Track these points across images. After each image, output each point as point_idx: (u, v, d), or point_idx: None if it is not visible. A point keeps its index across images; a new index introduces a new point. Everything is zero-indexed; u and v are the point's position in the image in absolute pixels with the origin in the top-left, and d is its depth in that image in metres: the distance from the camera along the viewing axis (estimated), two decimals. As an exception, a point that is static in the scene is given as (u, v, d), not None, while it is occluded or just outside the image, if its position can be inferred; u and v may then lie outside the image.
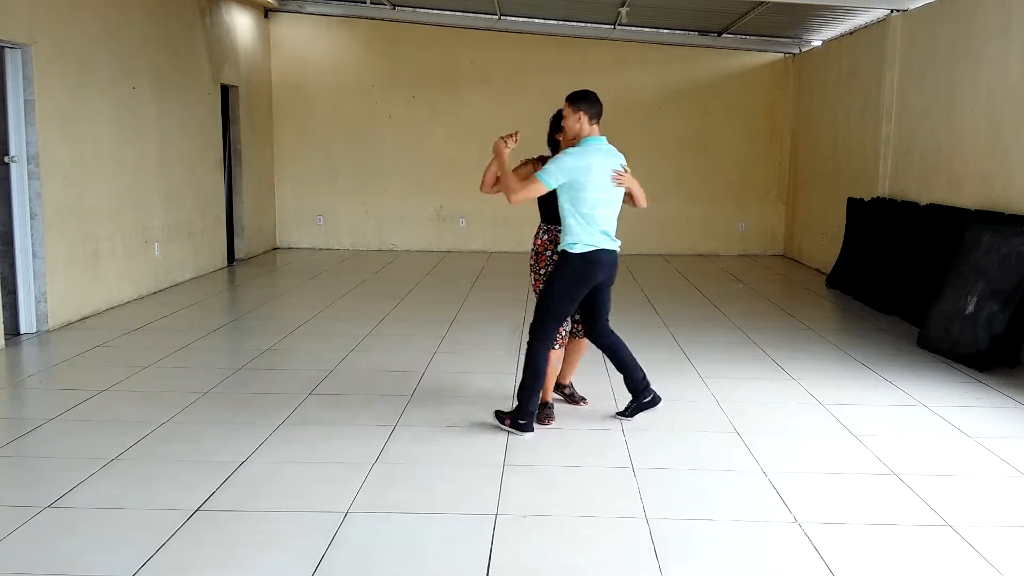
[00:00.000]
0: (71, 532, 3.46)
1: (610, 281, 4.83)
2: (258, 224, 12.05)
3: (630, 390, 4.97)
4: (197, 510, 3.67)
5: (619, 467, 4.26)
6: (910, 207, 8.50)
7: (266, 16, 12.40)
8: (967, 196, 7.55)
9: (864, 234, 9.38)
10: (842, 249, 9.99)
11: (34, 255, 6.94)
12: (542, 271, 4.94)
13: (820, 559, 3.32)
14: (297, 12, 12.43)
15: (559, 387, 5.26)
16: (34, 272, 6.95)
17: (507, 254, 12.39)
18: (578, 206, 4.60)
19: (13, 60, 6.74)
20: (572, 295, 4.69)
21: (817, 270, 11.23)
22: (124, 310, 7.99)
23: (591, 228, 4.62)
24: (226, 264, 10.88)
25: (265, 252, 12.32)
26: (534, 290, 4.98)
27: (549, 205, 4.87)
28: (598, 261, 4.66)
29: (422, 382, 5.65)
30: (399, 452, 4.43)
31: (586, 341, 5.06)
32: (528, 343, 4.75)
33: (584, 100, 4.71)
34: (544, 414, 4.90)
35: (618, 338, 4.92)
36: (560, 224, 4.71)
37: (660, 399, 4.97)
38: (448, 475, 4.15)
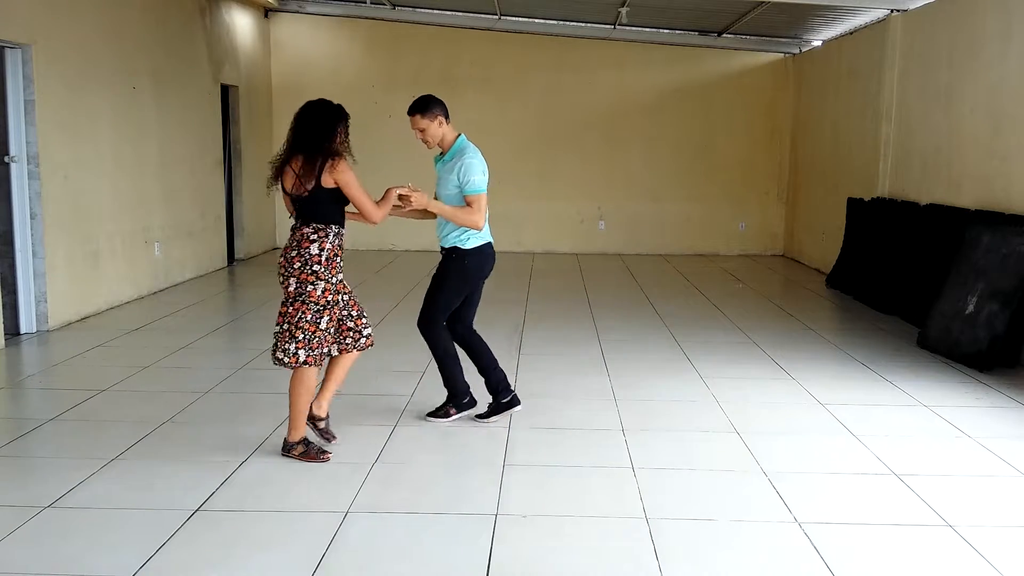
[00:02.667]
0: (71, 532, 3.47)
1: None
2: (258, 224, 12.05)
3: (490, 390, 4.90)
4: (197, 510, 3.67)
5: (619, 467, 4.26)
6: (910, 207, 8.50)
7: (266, 16, 12.40)
8: (967, 196, 7.55)
9: (864, 234, 9.38)
10: (842, 249, 9.99)
11: (34, 255, 6.94)
12: (338, 277, 4.26)
13: (820, 559, 3.32)
14: (297, 12, 12.43)
15: (313, 419, 4.44)
16: (34, 272, 6.95)
17: (507, 254, 12.38)
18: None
19: (13, 60, 6.74)
20: (465, 289, 4.79)
21: (817, 270, 11.23)
22: (124, 310, 7.99)
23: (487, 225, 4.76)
24: (226, 264, 10.88)
25: (265, 252, 12.32)
26: (315, 303, 4.17)
27: (331, 203, 4.22)
28: (492, 254, 4.84)
29: (422, 382, 5.65)
30: (399, 452, 4.43)
31: (351, 356, 4.46)
32: (429, 337, 4.79)
33: (439, 105, 4.61)
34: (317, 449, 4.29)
35: (480, 339, 4.94)
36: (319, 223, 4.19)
37: (519, 401, 4.93)
38: (448, 475, 4.15)
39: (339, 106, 4.33)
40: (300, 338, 4.14)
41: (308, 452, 4.26)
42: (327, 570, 3.19)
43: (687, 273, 11.02)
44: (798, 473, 4.22)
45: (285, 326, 4.19)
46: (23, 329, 6.91)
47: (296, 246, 4.19)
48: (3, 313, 6.53)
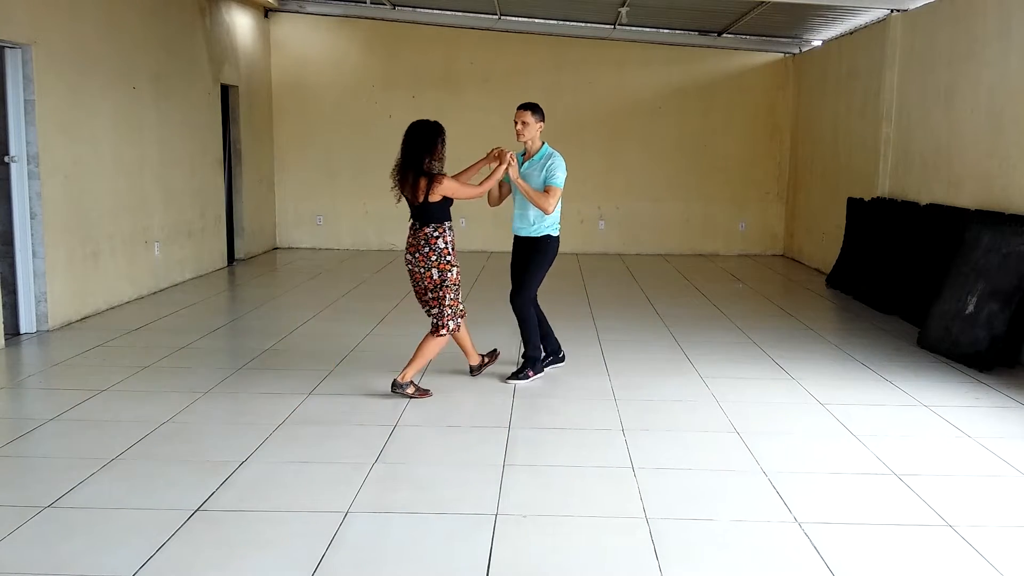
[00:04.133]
0: (71, 532, 3.47)
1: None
2: (258, 224, 12.05)
3: (548, 352, 5.98)
4: (197, 510, 3.67)
5: (619, 467, 4.26)
6: (910, 207, 8.50)
7: (266, 16, 12.40)
8: (967, 196, 7.55)
9: (864, 234, 9.38)
10: (842, 249, 9.99)
11: (34, 255, 6.94)
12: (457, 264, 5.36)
13: (820, 559, 3.32)
14: (297, 12, 12.43)
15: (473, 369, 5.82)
16: (34, 272, 6.95)
17: (508, 254, 12.38)
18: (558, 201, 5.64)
19: (13, 60, 6.74)
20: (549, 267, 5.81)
21: (817, 270, 11.23)
22: (124, 310, 7.99)
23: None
24: (226, 264, 10.88)
25: (265, 252, 12.32)
26: (451, 285, 5.31)
27: (441, 207, 5.27)
28: None
29: (422, 382, 5.64)
30: (399, 452, 4.44)
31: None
32: (523, 309, 5.71)
33: (544, 116, 5.58)
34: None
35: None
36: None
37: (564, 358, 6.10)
38: (448, 475, 4.15)
39: (437, 123, 5.25)
40: (449, 312, 5.30)
41: (419, 390, 5.35)
42: (327, 570, 3.19)
43: (687, 273, 11.02)
44: (798, 473, 4.22)
45: (443, 308, 5.28)
46: (23, 329, 6.91)
47: (425, 243, 5.23)
48: (3, 313, 6.53)
